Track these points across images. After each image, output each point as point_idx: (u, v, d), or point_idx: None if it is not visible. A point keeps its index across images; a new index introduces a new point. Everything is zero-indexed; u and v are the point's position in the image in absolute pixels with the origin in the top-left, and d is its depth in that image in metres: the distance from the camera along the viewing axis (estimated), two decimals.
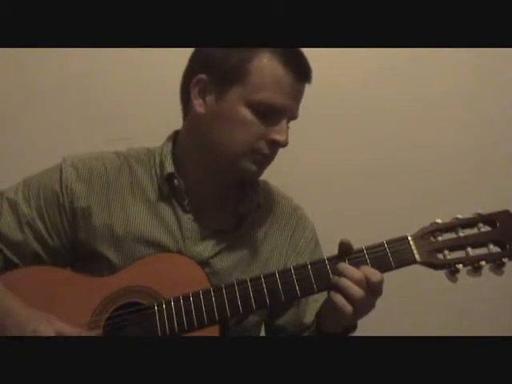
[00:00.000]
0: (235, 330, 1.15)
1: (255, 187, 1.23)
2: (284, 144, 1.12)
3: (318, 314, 1.15)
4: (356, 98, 1.76)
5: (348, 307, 1.01)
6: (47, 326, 1.01)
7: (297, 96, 1.13)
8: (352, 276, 1.02)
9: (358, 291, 1.01)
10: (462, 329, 1.70)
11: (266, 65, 1.09)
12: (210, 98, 1.12)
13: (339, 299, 1.02)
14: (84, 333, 1.03)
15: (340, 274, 1.03)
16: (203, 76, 1.12)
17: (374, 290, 1.03)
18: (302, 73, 1.12)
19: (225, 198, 1.22)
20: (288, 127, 1.15)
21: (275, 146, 1.13)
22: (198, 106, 1.13)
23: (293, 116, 1.15)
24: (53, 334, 1.00)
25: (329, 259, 1.07)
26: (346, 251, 1.06)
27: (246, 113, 1.10)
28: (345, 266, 1.04)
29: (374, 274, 1.02)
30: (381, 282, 1.02)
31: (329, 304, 1.07)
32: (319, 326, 1.14)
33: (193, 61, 1.16)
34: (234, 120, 1.10)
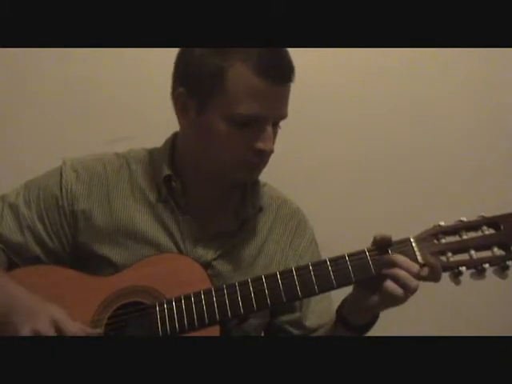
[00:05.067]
0: (236, 332, 1.15)
1: (257, 190, 1.24)
2: (269, 152, 1.11)
3: (342, 307, 1.14)
4: (356, 99, 1.76)
5: (398, 290, 1.01)
6: (60, 311, 1.02)
7: (277, 99, 1.10)
8: (410, 269, 1.02)
9: (413, 281, 1.02)
10: (460, 329, 1.70)
11: (239, 76, 1.06)
12: (191, 112, 1.12)
13: (390, 284, 1.02)
14: (85, 330, 1.03)
15: (397, 266, 1.03)
16: (182, 90, 1.12)
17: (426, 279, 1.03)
18: (278, 75, 1.08)
19: (226, 200, 1.22)
20: (279, 127, 1.14)
21: (262, 154, 1.11)
22: (182, 119, 1.14)
23: (279, 118, 1.13)
24: (64, 320, 1.01)
25: (331, 260, 1.07)
26: (384, 247, 1.06)
27: (225, 127, 1.08)
28: (403, 258, 1.03)
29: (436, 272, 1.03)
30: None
31: (358, 295, 1.08)
32: (343, 318, 1.12)
33: (173, 73, 1.15)
34: (215, 135, 1.09)
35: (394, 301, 1.04)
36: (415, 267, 1.02)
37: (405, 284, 1.02)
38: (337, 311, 1.15)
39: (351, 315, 1.11)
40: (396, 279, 1.02)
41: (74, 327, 1.01)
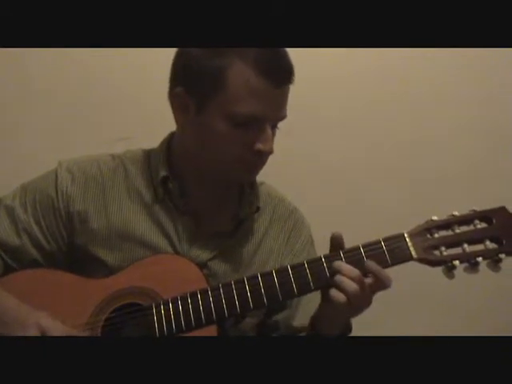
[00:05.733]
0: (233, 331, 1.15)
1: (254, 189, 1.24)
2: (268, 152, 1.11)
3: (313, 318, 1.14)
4: (355, 98, 1.77)
5: (341, 296, 1.01)
6: (48, 321, 1.01)
7: (277, 100, 1.10)
8: (348, 273, 1.02)
9: (352, 285, 1.01)
10: (459, 328, 1.70)
11: (239, 75, 1.06)
12: (190, 110, 1.12)
13: (333, 291, 1.03)
14: (76, 333, 1.03)
15: (336, 271, 1.03)
16: (181, 89, 1.12)
17: (373, 287, 1.03)
18: (278, 76, 1.08)
19: (224, 200, 1.22)
20: (277, 128, 1.14)
21: (260, 155, 1.11)
22: (180, 118, 1.14)
23: (277, 119, 1.13)
24: (51, 327, 1.00)
25: (325, 257, 1.06)
26: (338, 244, 1.06)
27: (224, 126, 1.08)
28: (340, 263, 1.04)
29: (379, 272, 1.02)
30: (382, 281, 1.03)
31: (323, 304, 1.08)
32: (315, 330, 1.13)
33: (171, 73, 1.15)
34: (214, 134, 1.09)
35: (339, 307, 1.02)
36: (353, 272, 1.02)
37: (343, 289, 1.01)
38: (310, 321, 1.15)
39: (320, 326, 1.11)
40: (336, 285, 1.03)
41: (61, 334, 1.00)
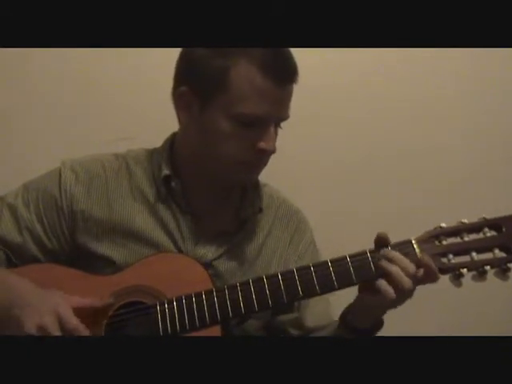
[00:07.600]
0: (237, 332, 1.16)
1: (257, 190, 1.24)
2: (271, 152, 1.11)
3: (346, 310, 1.15)
4: (356, 99, 1.76)
5: (391, 292, 1.01)
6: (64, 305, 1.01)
7: (281, 100, 1.10)
8: (405, 267, 1.02)
9: (407, 282, 1.01)
10: (461, 329, 1.71)
11: (244, 74, 1.06)
12: (194, 110, 1.12)
13: (382, 283, 1.02)
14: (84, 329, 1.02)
15: (392, 261, 1.03)
16: (185, 88, 1.12)
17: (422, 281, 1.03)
18: (282, 76, 1.08)
19: (227, 200, 1.23)
20: (280, 127, 1.14)
21: (263, 154, 1.12)
22: (183, 117, 1.14)
23: (281, 119, 1.13)
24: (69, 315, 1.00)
25: (332, 261, 1.07)
26: (383, 243, 1.06)
27: (228, 125, 1.08)
28: (399, 255, 1.03)
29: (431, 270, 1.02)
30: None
31: (361, 295, 1.08)
32: (348, 322, 1.13)
33: (176, 72, 1.16)
34: (218, 133, 1.10)
35: (386, 300, 1.03)
36: (410, 266, 1.02)
37: (395, 280, 1.01)
38: (341, 315, 1.15)
39: (355, 318, 1.12)
40: (388, 275, 1.02)
41: (77, 321, 1.00)
